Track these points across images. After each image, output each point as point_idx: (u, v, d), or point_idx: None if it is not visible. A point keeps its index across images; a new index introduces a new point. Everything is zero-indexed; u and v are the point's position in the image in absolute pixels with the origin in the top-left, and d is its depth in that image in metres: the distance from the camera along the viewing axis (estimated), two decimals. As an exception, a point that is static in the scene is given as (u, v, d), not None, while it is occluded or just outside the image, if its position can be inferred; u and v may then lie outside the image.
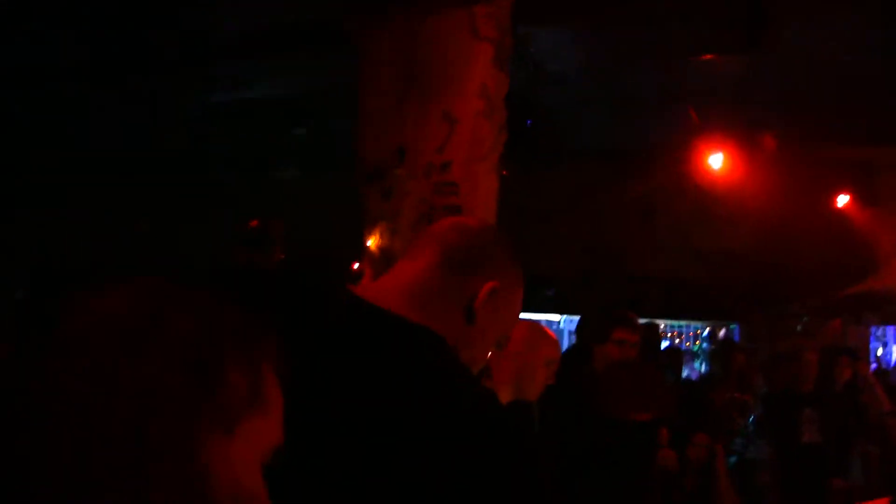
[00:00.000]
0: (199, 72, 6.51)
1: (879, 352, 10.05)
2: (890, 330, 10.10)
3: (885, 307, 8.70)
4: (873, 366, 8.43)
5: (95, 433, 0.64)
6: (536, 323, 2.90)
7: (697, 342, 11.36)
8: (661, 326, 10.33)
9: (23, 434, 0.65)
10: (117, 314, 0.70)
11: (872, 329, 9.62)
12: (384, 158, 3.79)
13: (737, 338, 9.86)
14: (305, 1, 4.99)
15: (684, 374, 8.64)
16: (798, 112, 6.91)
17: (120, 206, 9.67)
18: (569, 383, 3.31)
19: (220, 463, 0.68)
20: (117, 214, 9.50)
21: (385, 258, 3.62)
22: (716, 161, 7.77)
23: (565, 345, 9.96)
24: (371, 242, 3.76)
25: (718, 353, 7.94)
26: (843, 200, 8.56)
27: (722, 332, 10.20)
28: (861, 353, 8.12)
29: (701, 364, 10.06)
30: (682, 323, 11.26)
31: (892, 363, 9.91)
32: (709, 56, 5.74)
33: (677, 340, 11.22)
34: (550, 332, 3.03)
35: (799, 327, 8.66)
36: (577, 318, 9.35)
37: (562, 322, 11.64)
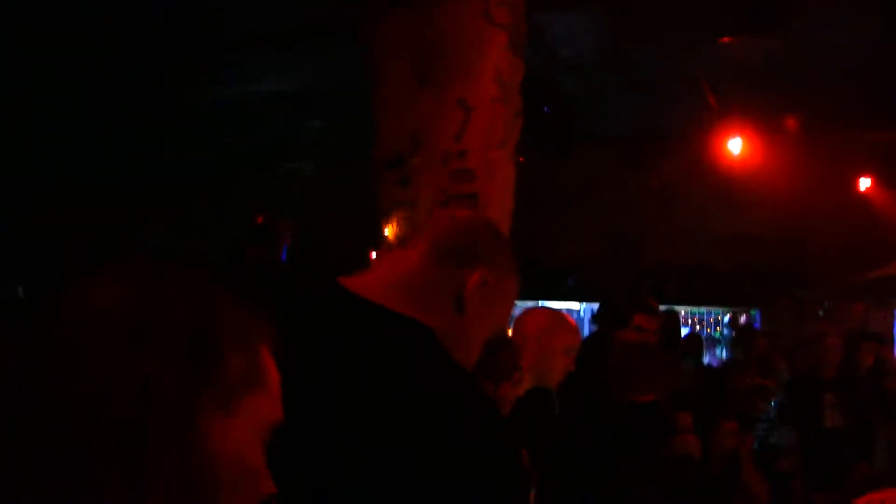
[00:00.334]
0: (208, 66, 6.51)
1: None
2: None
3: (909, 291, 8.60)
4: (897, 350, 8.34)
5: (97, 415, 0.65)
6: (556, 310, 2.89)
7: (718, 329, 11.28)
8: (682, 313, 10.28)
9: (26, 421, 0.66)
10: (114, 299, 0.71)
11: (896, 313, 9.50)
12: (400, 147, 3.79)
13: (758, 324, 9.78)
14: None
15: (705, 360, 8.58)
16: (819, 95, 6.83)
17: (135, 202, 9.73)
18: (586, 370, 3.30)
19: (221, 441, 0.69)
20: (131, 210, 9.56)
21: (402, 246, 3.62)
22: (735, 145, 7.69)
23: (586, 333, 9.94)
24: (388, 231, 3.76)
25: (740, 338, 7.89)
26: (865, 184, 8.46)
27: (743, 318, 10.12)
28: (885, 337, 8.04)
29: (722, 350, 9.99)
30: (703, 309, 11.19)
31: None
32: (727, 39, 5.67)
33: (698, 327, 11.15)
34: (570, 320, 3.02)
35: (821, 312, 8.58)
36: (597, 305, 9.34)
37: (582, 310, 11.61)
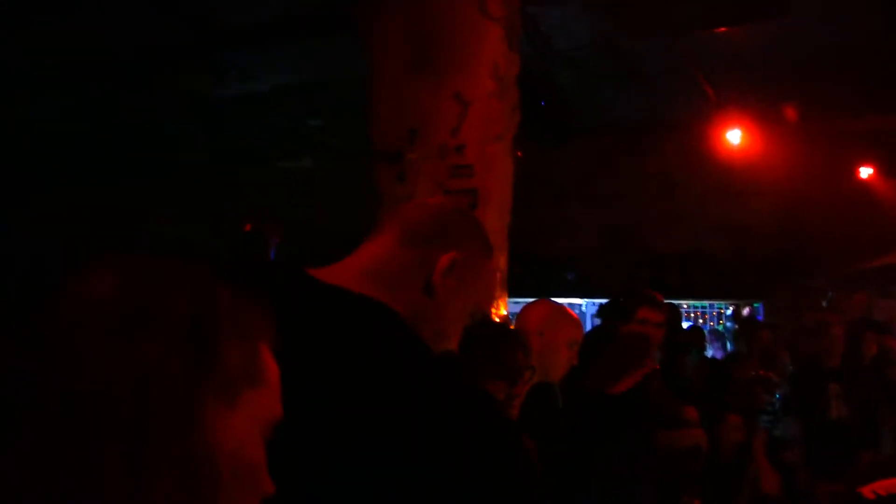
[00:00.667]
0: (207, 63, 6.50)
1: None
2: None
3: (912, 280, 8.57)
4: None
5: (96, 406, 0.65)
6: (558, 304, 2.86)
7: (721, 321, 11.25)
8: (684, 307, 10.25)
9: (24, 414, 0.66)
10: (113, 290, 0.71)
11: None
12: (397, 141, 3.77)
13: (761, 316, 9.76)
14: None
15: (709, 353, 8.56)
16: (818, 83, 6.80)
17: (135, 200, 9.72)
18: (587, 364, 3.27)
19: (222, 435, 0.69)
20: (133, 209, 9.55)
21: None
22: (734, 136, 7.66)
23: (588, 328, 9.91)
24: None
25: (742, 331, 7.86)
26: (866, 172, 8.42)
27: (746, 311, 10.09)
28: (888, 326, 8.01)
29: (725, 343, 9.97)
30: (705, 303, 11.16)
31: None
32: (723, 28, 5.64)
33: (700, 321, 11.12)
34: (573, 314, 3.00)
35: (824, 302, 8.55)
36: (599, 301, 9.31)
37: (584, 305, 11.59)
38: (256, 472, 0.73)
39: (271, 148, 9.18)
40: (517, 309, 3.30)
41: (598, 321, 7.76)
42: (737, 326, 9.43)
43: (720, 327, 10.60)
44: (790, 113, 7.55)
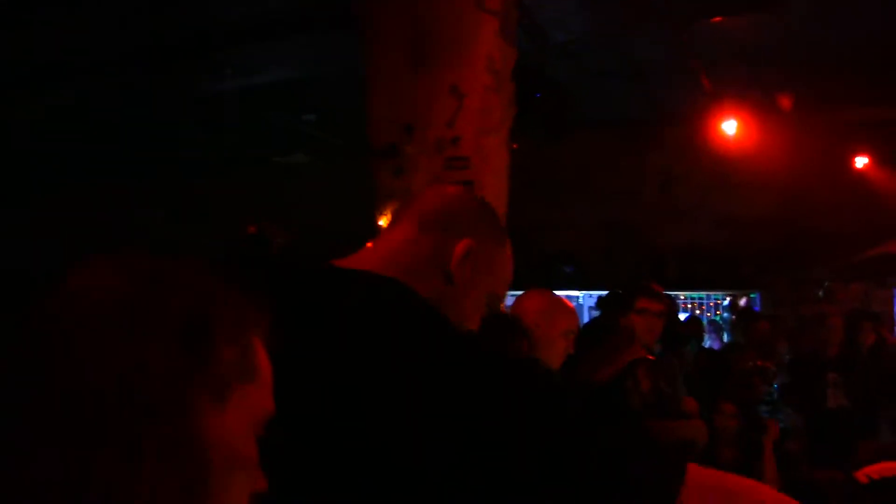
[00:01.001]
0: (203, 60, 6.48)
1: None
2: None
3: (909, 269, 8.57)
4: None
5: (88, 404, 0.65)
6: (553, 293, 2.85)
7: (718, 312, 11.26)
8: (682, 298, 10.26)
9: (16, 412, 0.66)
10: (106, 289, 0.71)
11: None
12: (393, 136, 3.76)
13: (758, 307, 9.77)
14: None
15: (706, 344, 8.57)
16: (813, 74, 6.80)
17: (131, 199, 9.70)
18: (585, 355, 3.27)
19: (214, 432, 0.69)
20: (128, 208, 9.54)
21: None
22: (730, 127, 7.65)
23: (586, 321, 9.91)
24: (383, 221, 3.74)
25: (740, 321, 7.86)
26: (861, 162, 8.42)
27: (743, 301, 10.10)
28: (885, 316, 8.02)
29: (723, 334, 9.98)
30: (702, 294, 11.17)
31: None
32: (718, 18, 5.64)
33: (698, 312, 11.13)
34: (569, 303, 2.99)
35: (821, 293, 8.55)
36: (597, 293, 9.30)
37: (581, 298, 11.59)
38: (248, 467, 0.73)
39: (266, 144, 9.17)
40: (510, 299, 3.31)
41: (596, 313, 7.77)
42: (734, 317, 9.44)
43: (717, 318, 10.61)
44: (786, 104, 7.54)
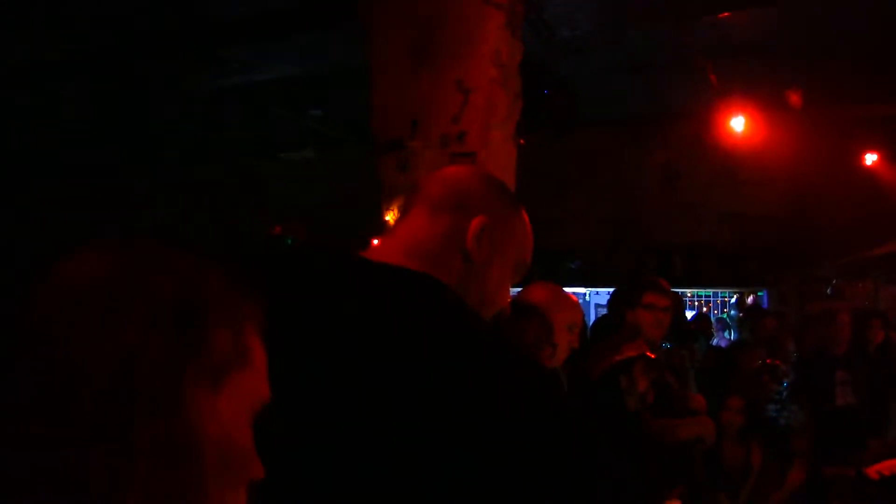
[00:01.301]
0: (208, 56, 6.47)
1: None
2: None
3: (918, 266, 8.52)
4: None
5: (81, 393, 0.64)
6: (556, 286, 2.82)
7: (725, 310, 11.22)
8: (688, 295, 10.22)
9: (8, 399, 0.65)
10: (99, 270, 0.70)
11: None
12: (398, 131, 3.74)
13: (765, 304, 9.73)
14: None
15: (714, 342, 8.54)
16: (821, 70, 6.75)
17: (135, 195, 9.71)
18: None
19: (208, 418, 0.68)
20: (132, 202, 9.54)
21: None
22: (738, 124, 7.61)
23: (592, 317, 9.90)
24: (389, 216, 3.71)
25: (747, 319, 7.83)
26: (871, 159, 8.37)
27: (750, 299, 10.06)
28: (894, 313, 7.97)
29: (730, 332, 9.95)
30: (709, 291, 11.13)
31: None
32: (726, 14, 5.60)
33: (705, 309, 11.10)
34: (573, 297, 2.96)
35: (829, 290, 8.51)
36: (603, 290, 9.26)
37: (588, 295, 11.57)
38: (243, 455, 0.72)
39: (273, 139, 9.16)
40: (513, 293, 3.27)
41: (604, 311, 7.72)
42: (741, 315, 9.41)
43: (724, 316, 10.58)
44: (794, 100, 7.49)
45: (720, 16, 5.63)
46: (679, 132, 8.74)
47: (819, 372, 5.27)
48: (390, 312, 1.17)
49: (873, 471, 3.15)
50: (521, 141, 4.06)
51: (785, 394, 5.36)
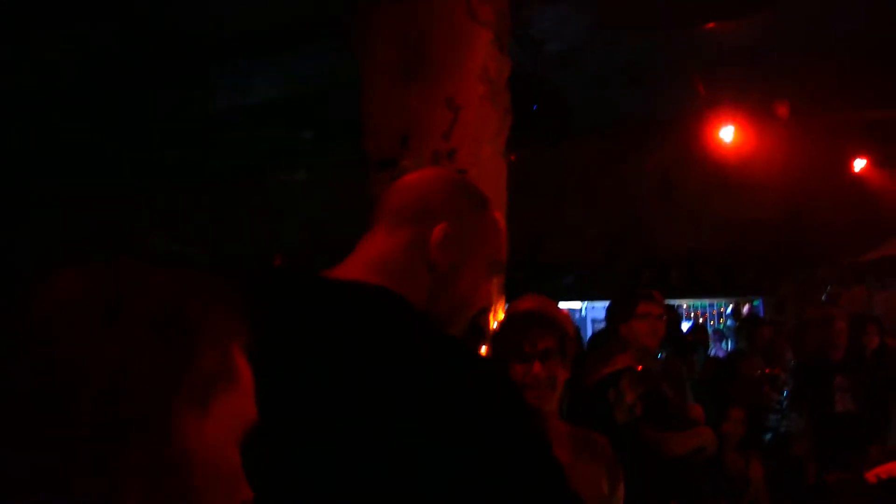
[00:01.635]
0: (199, 77, 6.48)
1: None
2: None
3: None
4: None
5: (67, 416, 0.63)
6: (546, 299, 2.82)
7: (722, 320, 11.23)
8: (684, 307, 10.22)
9: None
10: (85, 294, 0.69)
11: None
12: (389, 149, 3.74)
13: (761, 313, 9.73)
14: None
15: (711, 352, 8.52)
16: (810, 76, 6.79)
17: (128, 215, 9.67)
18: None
19: (195, 440, 0.68)
20: (125, 224, 9.50)
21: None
22: (727, 133, 7.65)
23: (589, 331, 9.88)
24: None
25: (744, 328, 7.83)
26: (860, 164, 8.41)
27: (746, 308, 10.07)
28: (889, 318, 7.97)
29: (727, 343, 9.95)
30: (705, 302, 11.13)
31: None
32: (712, 24, 5.63)
33: (701, 320, 11.10)
34: (561, 309, 2.97)
35: (823, 296, 8.52)
36: (599, 304, 9.24)
37: (583, 309, 11.56)
38: (231, 479, 0.71)
39: (265, 161, 9.17)
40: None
41: (600, 325, 7.70)
42: (737, 324, 9.41)
43: (721, 326, 10.58)
44: (784, 108, 7.54)
45: (708, 25, 5.66)
46: (671, 141, 8.76)
47: (817, 378, 5.26)
48: (342, 328, 1.17)
49: (872, 475, 3.15)
50: (512, 157, 4.07)
51: (785, 403, 5.35)
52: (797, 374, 5.58)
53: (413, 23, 3.95)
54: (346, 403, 1.10)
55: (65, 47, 5.71)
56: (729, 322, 10.35)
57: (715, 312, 11.51)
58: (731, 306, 10.53)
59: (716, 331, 10.51)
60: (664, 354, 4.96)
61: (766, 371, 5.59)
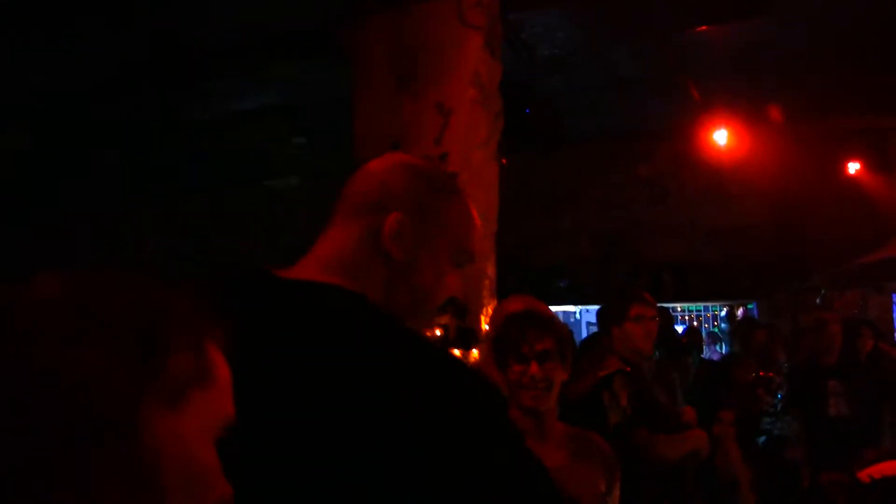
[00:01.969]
0: (192, 85, 6.48)
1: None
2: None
3: (905, 274, 8.54)
4: (897, 334, 8.28)
5: (39, 418, 0.63)
6: (535, 300, 2.81)
7: (716, 324, 11.23)
8: (678, 310, 10.23)
9: None
10: (57, 292, 0.70)
11: (894, 297, 9.46)
12: (380, 153, 3.74)
13: (756, 317, 9.73)
14: (293, 9, 4.95)
15: (705, 356, 8.53)
16: (802, 82, 6.81)
17: (120, 223, 9.65)
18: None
19: (169, 439, 0.68)
20: (118, 232, 9.49)
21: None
22: (721, 137, 7.66)
23: (584, 335, 9.88)
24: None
25: (737, 331, 7.83)
26: (853, 168, 8.42)
27: (740, 312, 10.07)
28: (883, 321, 7.98)
29: (722, 346, 9.95)
30: (699, 306, 11.14)
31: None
32: (703, 28, 5.64)
33: (695, 324, 11.10)
34: (548, 310, 2.96)
35: (818, 300, 8.53)
36: (593, 307, 9.24)
37: (578, 313, 11.56)
38: (207, 476, 0.71)
39: (257, 168, 9.16)
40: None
41: (594, 329, 7.70)
42: (732, 327, 9.41)
43: (715, 329, 10.58)
44: (776, 113, 7.56)
45: (699, 29, 5.67)
46: (664, 147, 8.78)
47: (811, 382, 5.26)
48: (290, 328, 1.16)
49: (865, 475, 3.16)
50: (504, 161, 4.07)
51: (779, 406, 5.35)
52: (791, 378, 5.58)
53: (406, 31, 3.96)
54: (307, 406, 1.09)
55: (61, 53, 5.71)
56: (723, 325, 10.36)
57: (709, 316, 11.53)
58: (725, 310, 10.53)
59: (710, 334, 10.51)
60: (657, 357, 4.96)
61: (761, 374, 5.58)
